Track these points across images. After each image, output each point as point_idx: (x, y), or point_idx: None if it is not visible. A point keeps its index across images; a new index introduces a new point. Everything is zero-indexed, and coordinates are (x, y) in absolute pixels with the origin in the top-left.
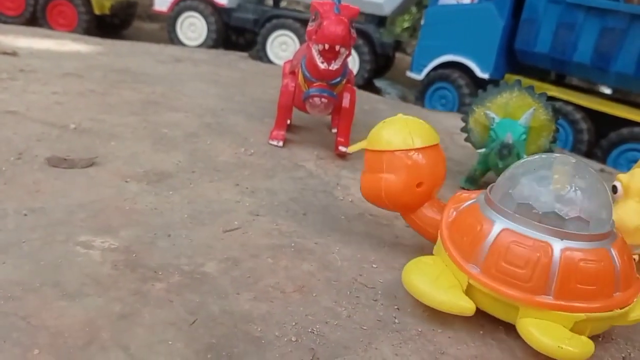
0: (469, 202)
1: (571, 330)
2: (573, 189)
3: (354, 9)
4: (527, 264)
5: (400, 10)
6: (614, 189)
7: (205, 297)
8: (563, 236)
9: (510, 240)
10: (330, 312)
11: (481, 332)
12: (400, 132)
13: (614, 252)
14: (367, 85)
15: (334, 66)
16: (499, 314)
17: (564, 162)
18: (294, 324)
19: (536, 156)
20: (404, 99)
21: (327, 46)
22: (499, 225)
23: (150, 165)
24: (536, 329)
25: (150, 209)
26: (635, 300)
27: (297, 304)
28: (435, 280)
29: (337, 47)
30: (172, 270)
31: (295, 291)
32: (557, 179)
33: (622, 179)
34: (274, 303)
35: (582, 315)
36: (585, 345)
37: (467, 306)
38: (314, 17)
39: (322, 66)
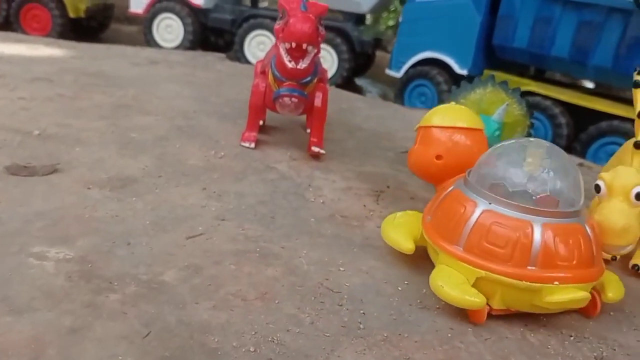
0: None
1: (475, 287)
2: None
3: (321, 6)
4: (454, 216)
5: (379, 8)
6: (597, 188)
7: (161, 308)
8: (492, 200)
9: (452, 197)
10: (292, 319)
11: (449, 335)
12: (439, 112)
13: (543, 228)
14: (348, 84)
15: (302, 65)
16: (433, 259)
17: (538, 146)
18: (253, 333)
19: (512, 140)
20: (385, 97)
21: (294, 44)
22: (454, 186)
23: (115, 171)
24: (439, 272)
25: (110, 217)
26: (556, 283)
27: (259, 311)
28: (399, 225)
29: (305, 46)
30: (128, 280)
31: (257, 298)
32: (529, 162)
33: (605, 178)
34: (234, 312)
35: (482, 273)
36: (470, 294)
37: (405, 246)
38: (281, 15)
39: (290, 65)
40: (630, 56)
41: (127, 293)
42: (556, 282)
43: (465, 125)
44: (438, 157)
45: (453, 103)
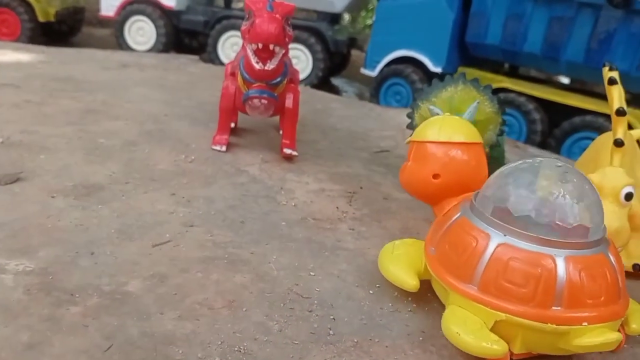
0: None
1: (494, 331)
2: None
3: (288, 5)
4: (465, 250)
5: (354, 7)
6: None
7: (124, 319)
8: (507, 231)
9: (460, 227)
10: (260, 327)
11: (421, 338)
12: (433, 126)
13: (565, 263)
14: (324, 84)
15: (270, 66)
16: (440, 296)
17: (551, 167)
18: (219, 343)
19: (521, 161)
20: (361, 96)
21: (260, 45)
22: (461, 213)
23: (81, 178)
24: (451, 314)
25: (74, 226)
26: (585, 324)
27: (225, 320)
28: (399, 256)
29: (272, 46)
30: (91, 291)
31: (225, 307)
32: (543, 186)
33: (594, 179)
34: (200, 321)
35: (502, 315)
36: (490, 341)
37: (409, 282)
38: (247, 16)
39: (258, 66)
40: (601, 50)
41: (89, 305)
42: (585, 323)
43: (463, 140)
44: (435, 176)
45: (447, 114)
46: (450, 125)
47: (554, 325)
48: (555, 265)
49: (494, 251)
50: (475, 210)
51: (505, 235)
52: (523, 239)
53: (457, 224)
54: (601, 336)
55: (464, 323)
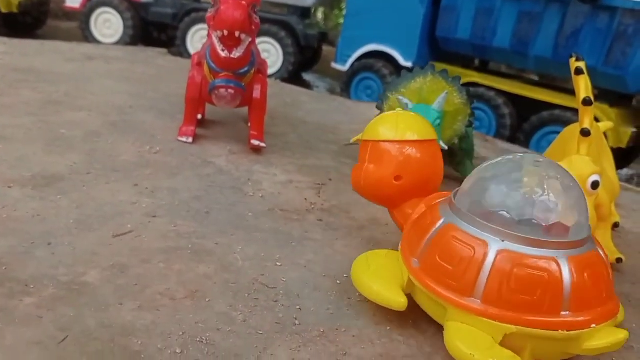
0: (437, 201)
1: (504, 345)
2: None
3: None
4: (461, 262)
5: (324, 1)
6: None
7: (81, 310)
8: (506, 237)
9: (450, 235)
10: (223, 317)
11: (388, 328)
12: (389, 123)
13: (568, 265)
14: (295, 78)
15: (236, 54)
16: (432, 313)
17: (534, 163)
18: (180, 333)
19: (501, 158)
20: (332, 91)
21: (226, 32)
22: (445, 220)
23: (39, 169)
24: (456, 333)
25: (31, 216)
26: (593, 326)
27: (187, 311)
28: (377, 271)
29: (237, 34)
30: (46, 282)
31: (187, 297)
32: (527, 182)
33: None
34: (161, 312)
35: (513, 328)
36: (506, 358)
37: (397, 300)
38: (213, 3)
39: (224, 54)
40: (569, 46)
41: (44, 296)
42: (593, 325)
43: (420, 137)
44: (397, 177)
45: (399, 109)
46: (406, 122)
47: (566, 332)
48: (560, 268)
49: (494, 259)
50: (461, 215)
51: (503, 241)
52: (522, 243)
53: (444, 232)
54: (611, 336)
55: (474, 342)
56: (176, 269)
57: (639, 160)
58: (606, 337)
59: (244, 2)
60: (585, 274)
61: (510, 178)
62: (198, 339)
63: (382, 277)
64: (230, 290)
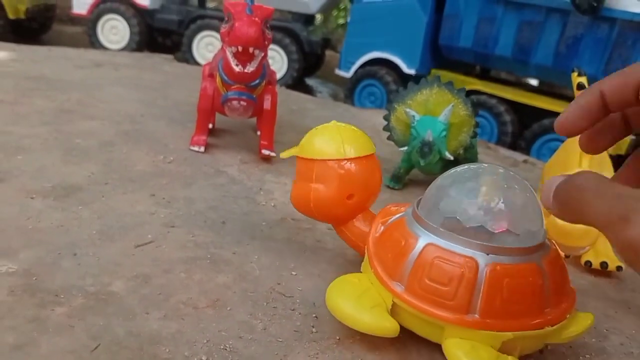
0: (396, 216)
1: (499, 350)
2: (501, 201)
3: (267, 9)
4: (451, 281)
5: (328, 8)
6: None
7: (110, 320)
8: (490, 250)
9: (434, 256)
10: (244, 325)
11: (400, 335)
12: (333, 140)
13: (544, 266)
14: (298, 84)
15: (250, 68)
16: (425, 333)
17: (493, 173)
18: (205, 341)
19: (465, 167)
20: (335, 97)
21: (240, 48)
22: (423, 240)
23: (59, 179)
24: (461, 350)
25: (55, 227)
26: (568, 315)
27: (210, 319)
28: (359, 300)
29: (251, 49)
30: (75, 292)
31: (209, 306)
32: (484, 191)
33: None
34: (185, 320)
35: (510, 335)
36: None
37: (389, 327)
38: (227, 19)
39: (237, 69)
40: (569, 54)
41: (74, 305)
42: (568, 315)
43: (364, 153)
44: (350, 196)
45: (334, 122)
46: (349, 138)
47: (551, 327)
48: (541, 269)
49: (486, 274)
50: (438, 232)
51: (488, 254)
52: (505, 254)
53: (429, 253)
54: (583, 321)
55: (478, 355)
56: (197, 279)
57: None
58: (581, 322)
59: (257, 19)
60: (556, 270)
61: (467, 186)
62: (222, 347)
63: (365, 305)
64: (249, 299)
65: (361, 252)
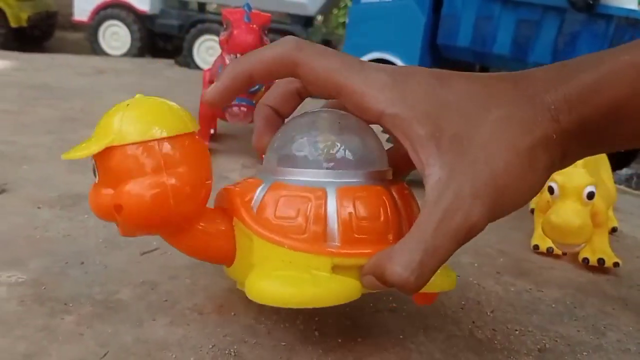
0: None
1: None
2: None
3: (265, 16)
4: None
5: (327, 8)
6: (551, 190)
7: (118, 327)
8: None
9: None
10: (249, 330)
11: (401, 336)
12: (170, 111)
13: (391, 191)
14: None
15: None
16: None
17: (328, 112)
18: (211, 346)
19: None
20: None
21: (239, 56)
22: (267, 182)
23: (65, 188)
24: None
25: (62, 236)
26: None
27: (215, 324)
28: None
29: None
30: (83, 300)
31: (214, 311)
32: (319, 125)
33: (558, 180)
34: (191, 326)
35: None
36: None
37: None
38: (225, 26)
39: None
40: (566, 52)
41: (83, 314)
42: None
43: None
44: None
45: (139, 95)
46: (172, 109)
47: None
48: (391, 195)
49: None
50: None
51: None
52: (351, 177)
53: (274, 190)
54: (446, 275)
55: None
56: (202, 284)
57: (638, 160)
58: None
59: (255, 26)
60: (406, 200)
61: (302, 123)
62: (227, 351)
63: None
64: (253, 303)
65: (217, 253)
